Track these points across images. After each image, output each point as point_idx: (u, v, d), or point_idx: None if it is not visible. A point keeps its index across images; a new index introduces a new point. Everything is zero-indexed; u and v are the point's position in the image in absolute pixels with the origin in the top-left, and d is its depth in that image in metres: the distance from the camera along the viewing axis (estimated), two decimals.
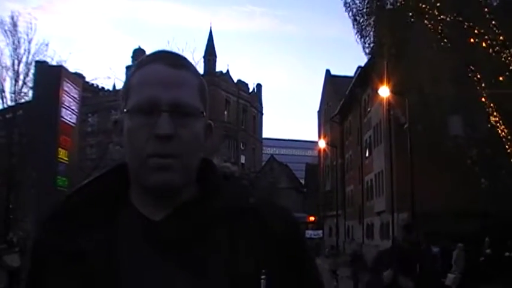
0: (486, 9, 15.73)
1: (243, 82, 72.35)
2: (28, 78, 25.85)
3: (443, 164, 23.08)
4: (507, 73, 15.52)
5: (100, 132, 37.99)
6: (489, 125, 17.00)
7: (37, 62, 25.34)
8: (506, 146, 16.44)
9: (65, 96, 22.82)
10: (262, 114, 80.00)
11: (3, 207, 24.21)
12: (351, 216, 44.16)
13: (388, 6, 18.42)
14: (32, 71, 25.52)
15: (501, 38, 15.49)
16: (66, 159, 22.38)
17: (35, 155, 22.12)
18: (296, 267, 1.13)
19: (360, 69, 36.70)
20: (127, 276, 1.05)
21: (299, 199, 66.10)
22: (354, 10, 18.31)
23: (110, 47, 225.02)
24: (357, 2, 18.27)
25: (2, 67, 25.71)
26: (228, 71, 69.00)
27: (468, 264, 18.64)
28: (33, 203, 21.63)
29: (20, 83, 25.90)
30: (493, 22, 15.52)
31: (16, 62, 25.86)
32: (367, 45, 18.86)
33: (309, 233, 46.15)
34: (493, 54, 15.59)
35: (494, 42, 15.53)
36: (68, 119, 23.23)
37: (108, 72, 42.01)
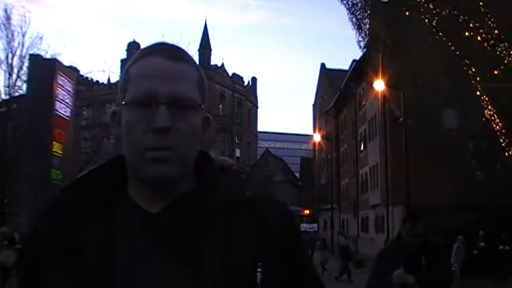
0: (481, 3, 15.72)
1: (238, 75, 72.34)
2: (22, 72, 25.72)
3: (438, 158, 23.15)
4: (502, 67, 15.55)
5: (94, 126, 38.01)
6: (484, 119, 17.04)
7: (31, 55, 25.24)
8: (501, 140, 16.49)
9: (59, 89, 22.78)
10: (257, 107, 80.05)
11: None
12: (346, 209, 44.30)
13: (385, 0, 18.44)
14: (26, 64, 25.40)
15: (496, 31, 15.50)
16: (60, 152, 22.37)
17: (29, 149, 22.09)
18: (292, 260, 1.13)
19: (355, 62, 36.72)
20: (124, 269, 1.04)
21: (294, 192, 66.27)
22: (350, 3, 18.28)
23: (105, 40, 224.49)
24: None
25: None
26: (223, 64, 69.00)
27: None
28: (28, 197, 21.61)
29: (14, 76, 25.77)
30: (488, 16, 15.53)
31: (10, 55, 25.70)
32: (361, 38, 18.86)
33: (304, 226, 46.27)
34: (488, 47, 15.60)
35: (489, 36, 15.54)
36: (62, 112, 23.20)
37: (103, 65, 41.94)
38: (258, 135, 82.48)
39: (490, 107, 16.45)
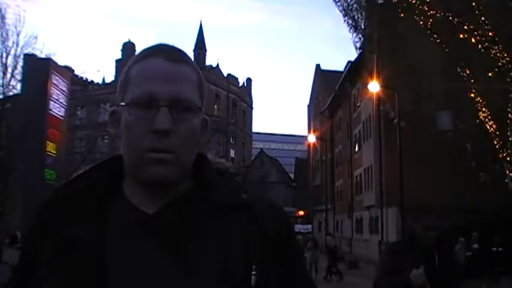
0: (475, 6, 15.78)
1: (233, 76, 72.29)
2: (16, 71, 25.65)
3: (432, 159, 23.21)
4: (496, 69, 15.61)
5: (89, 126, 37.87)
6: (478, 121, 17.10)
7: (25, 54, 25.15)
8: (495, 142, 16.55)
9: (54, 89, 22.69)
10: (252, 108, 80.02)
11: None
12: (340, 210, 44.36)
13: (379, 1, 18.47)
14: (20, 63, 25.32)
15: (490, 34, 15.57)
16: (54, 152, 22.28)
17: (23, 148, 21.99)
18: (286, 263, 1.13)
19: (350, 64, 36.80)
20: (118, 268, 1.04)
21: (288, 193, 66.29)
22: (345, 5, 18.32)
23: (100, 40, 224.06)
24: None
25: None
26: (218, 65, 68.93)
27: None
28: (21, 196, 21.52)
29: (8, 75, 25.69)
30: (483, 18, 15.59)
31: (4, 54, 25.64)
32: (357, 39, 18.91)
33: (298, 227, 46.27)
34: (482, 50, 15.67)
35: (483, 38, 15.61)
36: (57, 112, 23.11)
37: (98, 65, 41.89)
38: (253, 136, 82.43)
39: (484, 109, 16.51)
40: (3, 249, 14.23)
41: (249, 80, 79.65)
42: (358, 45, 19.65)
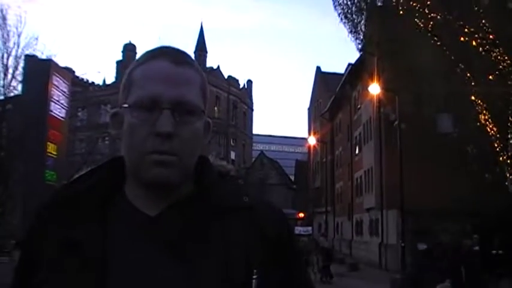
0: (476, 8, 15.79)
1: (234, 78, 72.29)
2: (17, 72, 25.66)
3: (432, 161, 23.19)
4: (497, 72, 15.61)
5: (89, 127, 37.88)
6: (478, 123, 17.09)
7: (26, 55, 25.18)
8: (495, 144, 16.54)
9: (55, 90, 22.73)
10: (252, 110, 80.00)
11: None
12: (340, 212, 44.32)
13: (379, 3, 18.48)
14: (21, 64, 25.34)
15: (491, 36, 15.57)
16: (54, 153, 22.31)
17: (24, 149, 22.01)
18: (287, 266, 1.14)
19: (350, 66, 36.79)
20: (119, 268, 1.05)
21: (289, 195, 66.24)
22: (345, 9, 18.30)
23: (100, 41, 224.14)
24: (346, 1, 18.28)
25: None
26: (218, 66, 68.96)
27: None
28: (21, 197, 21.54)
29: (9, 76, 25.71)
30: (483, 21, 15.59)
31: (5, 55, 25.65)
32: (358, 41, 18.90)
33: (299, 229, 46.10)
34: (483, 52, 15.67)
35: (484, 41, 15.61)
36: (57, 113, 23.14)
37: (98, 66, 41.90)
38: (253, 138, 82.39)
39: (484, 112, 16.50)
40: (12, 252, 14.26)
41: (249, 82, 79.66)
42: (359, 46, 19.64)
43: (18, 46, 25.77)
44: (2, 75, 25.55)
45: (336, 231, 45.96)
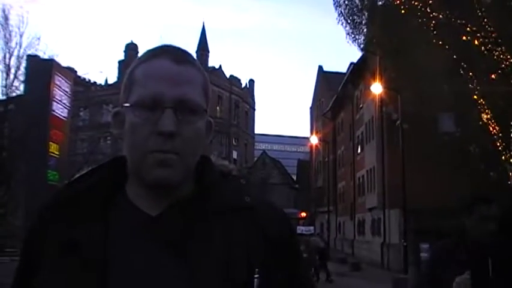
0: (478, 7, 15.76)
1: (236, 78, 72.30)
2: (19, 72, 25.68)
3: (434, 161, 23.16)
4: (499, 71, 15.58)
5: (91, 127, 37.92)
6: (480, 122, 17.06)
7: (29, 55, 25.20)
8: (498, 143, 16.52)
9: (57, 90, 22.74)
10: (254, 109, 79.98)
11: None
12: (343, 212, 44.30)
13: (380, 3, 18.45)
14: (23, 64, 25.36)
15: (493, 35, 15.54)
16: (57, 153, 22.32)
17: (26, 149, 22.02)
18: (288, 266, 1.13)
19: (352, 65, 36.77)
20: (120, 268, 1.04)
21: (291, 195, 66.23)
22: (347, 10, 18.25)
23: (102, 41, 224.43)
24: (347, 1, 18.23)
25: None
26: (220, 66, 68.95)
27: None
28: (23, 197, 21.54)
29: (11, 76, 25.72)
30: (486, 20, 15.56)
31: (7, 55, 25.67)
32: (359, 42, 18.86)
33: (301, 229, 46.10)
34: (485, 52, 15.64)
35: (486, 40, 15.58)
36: (59, 113, 23.15)
37: (101, 66, 41.95)
38: (255, 137, 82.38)
39: (487, 111, 16.48)
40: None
41: (251, 82, 79.64)
42: (360, 47, 19.62)
43: (20, 46, 25.80)
44: (4, 75, 25.58)
45: (338, 230, 45.95)
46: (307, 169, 64.06)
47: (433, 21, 16.31)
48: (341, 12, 18.34)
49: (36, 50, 25.77)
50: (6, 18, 25.70)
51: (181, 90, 1.08)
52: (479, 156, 20.35)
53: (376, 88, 25.99)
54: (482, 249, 2.99)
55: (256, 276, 1.06)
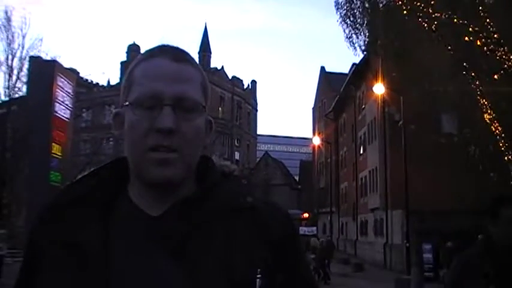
0: (481, 7, 15.73)
1: (238, 78, 72.30)
2: (22, 73, 25.79)
3: (437, 161, 23.15)
4: (502, 71, 15.55)
5: (94, 128, 38.00)
6: (483, 123, 17.03)
7: (31, 57, 25.27)
8: (500, 144, 16.48)
9: (59, 91, 22.79)
10: (256, 110, 80.00)
11: None
12: (345, 213, 44.29)
13: (382, 3, 18.40)
14: (26, 66, 25.44)
15: (496, 36, 15.51)
16: (59, 154, 22.35)
17: (29, 150, 22.07)
18: (291, 267, 1.13)
19: (354, 66, 36.75)
20: (121, 269, 1.05)
21: (293, 196, 66.22)
22: (348, 11, 18.19)
23: (105, 42, 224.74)
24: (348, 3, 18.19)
25: None
26: (222, 67, 68.98)
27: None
28: (26, 198, 21.59)
29: (14, 78, 25.83)
30: (488, 20, 15.53)
31: (10, 56, 25.78)
32: (362, 42, 18.81)
33: (303, 229, 46.16)
34: (488, 52, 15.61)
35: (489, 40, 15.55)
36: (62, 114, 23.19)
37: (103, 67, 42.04)
38: (258, 138, 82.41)
39: (489, 111, 16.45)
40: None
41: (253, 82, 79.67)
42: (362, 48, 19.56)
43: (22, 47, 25.90)
44: (7, 76, 25.68)
45: (341, 231, 45.93)
46: (310, 170, 64.03)
47: (435, 22, 16.27)
48: (342, 14, 18.30)
49: (38, 52, 25.88)
50: (8, 20, 25.83)
51: (179, 87, 1.08)
52: (482, 157, 20.31)
53: (379, 89, 25.99)
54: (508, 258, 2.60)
55: (258, 276, 1.05)
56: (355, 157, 39.91)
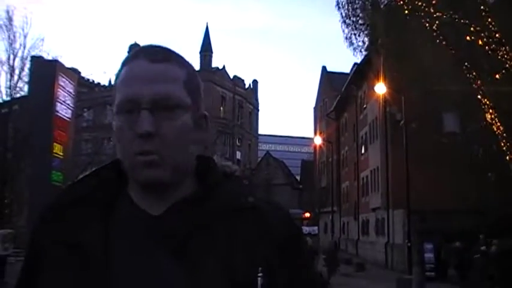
0: (482, 7, 15.72)
1: (239, 78, 72.22)
2: (24, 73, 25.81)
3: (438, 161, 23.13)
4: (503, 71, 15.54)
5: (95, 128, 38.01)
6: (484, 122, 17.03)
7: (33, 56, 25.29)
8: (502, 143, 16.47)
9: (61, 91, 22.80)
10: (258, 110, 79.93)
11: None
12: (347, 212, 44.28)
13: (383, 3, 18.39)
14: (27, 65, 25.45)
15: (497, 35, 15.50)
16: (61, 154, 22.36)
17: (30, 150, 22.08)
18: (293, 267, 1.13)
19: (356, 66, 36.73)
20: (122, 269, 1.05)
21: (295, 195, 66.25)
22: (349, 11, 18.17)
23: (106, 42, 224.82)
24: (349, 3, 18.17)
25: None
26: (224, 66, 68.89)
27: (464, 261, 18.74)
28: (28, 197, 21.62)
29: (16, 77, 25.85)
30: (489, 19, 15.52)
31: (12, 56, 25.81)
32: (361, 43, 18.78)
33: (305, 229, 46.23)
34: (489, 51, 15.59)
35: (490, 40, 15.54)
36: (63, 113, 23.20)
37: (104, 67, 42.05)
38: (259, 137, 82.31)
39: (491, 111, 16.44)
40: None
41: (255, 82, 79.58)
42: (363, 47, 19.54)
43: (24, 47, 25.92)
44: (9, 76, 25.70)
45: (342, 231, 45.91)
46: (311, 169, 64.02)
47: (437, 21, 16.26)
48: (343, 13, 18.28)
49: (40, 51, 25.89)
50: (10, 20, 25.86)
51: (157, 88, 1.07)
52: (483, 157, 20.30)
53: (380, 88, 25.96)
54: None
55: (259, 275, 1.05)
56: (356, 157, 39.90)
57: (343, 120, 48.23)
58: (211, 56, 65.84)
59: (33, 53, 25.75)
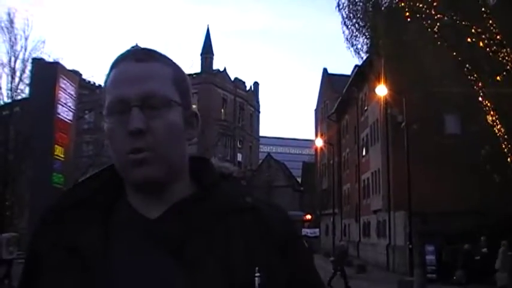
0: (483, 9, 15.73)
1: (240, 80, 72.23)
2: (25, 75, 25.86)
3: (439, 163, 23.13)
4: (504, 72, 15.54)
5: (96, 130, 37.99)
6: (486, 124, 17.02)
7: (34, 58, 25.31)
8: (503, 145, 16.47)
9: (62, 93, 22.78)
10: (259, 112, 79.94)
11: None
12: (348, 214, 44.24)
13: (384, 5, 18.40)
14: (28, 67, 25.50)
15: (498, 37, 15.51)
16: (62, 156, 22.34)
17: (31, 152, 22.08)
18: (290, 266, 1.12)
19: (357, 68, 36.72)
20: (121, 271, 1.05)
21: (296, 197, 66.14)
22: (350, 13, 18.16)
23: (107, 44, 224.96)
24: (350, 5, 18.17)
25: None
26: (225, 69, 68.94)
27: (466, 262, 18.74)
28: (29, 200, 21.60)
29: (17, 79, 25.91)
30: (490, 21, 15.53)
31: (13, 58, 25.88)
32: (362, 45, 18.77)
33: (306, 231, 46.14)
34: (491, 53, 15.60)
35: (491, 42, 15.54)
36: (65, 115, 23.19)
37: (105, 69, 42.18)
38: (260, 139, 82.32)
39: (492, 112, 16.44)
40: None
41: (256, 84, 79.60)
42: (364, 49, 19.54)
43: (25, 49, 25.99)
44: (10, 78, 25.75)
45: (344, 233, 45.85)
46: (312, 171, 63.93)
47: (438, 23, 16.27)
48: (344, 15, 18.27)
49: (41, 53, 25.94)
50: (11, 22, 25.92)
51: (143, 86, 1.08)
52: (485, 158, 20.29)
53: (381, 90, 25.94)
54: None
55: (257, 275, 1.05)
56: (357, 159, 39.87)
57: (344, 122, 48.21)
58: (212, 58, 65.87)
59: (34, 55, 25.83)
